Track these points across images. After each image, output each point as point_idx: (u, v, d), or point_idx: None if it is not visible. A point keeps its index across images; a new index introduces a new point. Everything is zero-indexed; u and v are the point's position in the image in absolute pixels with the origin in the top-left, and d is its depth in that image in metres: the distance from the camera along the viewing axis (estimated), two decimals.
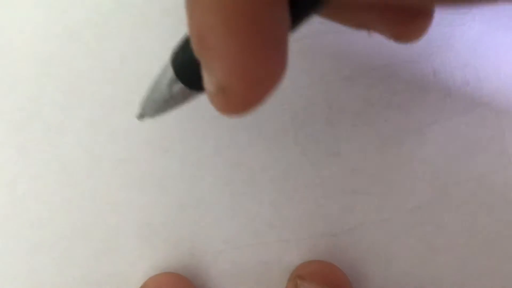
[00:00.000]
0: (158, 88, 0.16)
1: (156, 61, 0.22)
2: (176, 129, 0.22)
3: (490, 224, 0.24)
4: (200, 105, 0.22)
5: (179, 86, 0.15)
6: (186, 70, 0.14)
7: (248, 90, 0.10)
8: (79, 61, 0.22)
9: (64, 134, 0.22)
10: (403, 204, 0.23)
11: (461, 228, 0.24)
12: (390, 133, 0.23)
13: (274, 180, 0.23)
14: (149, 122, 0.22)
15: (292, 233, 0.23)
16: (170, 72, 0.15)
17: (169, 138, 0.22)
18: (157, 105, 0.17)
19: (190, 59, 0.13)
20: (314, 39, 0.23)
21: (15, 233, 0.22)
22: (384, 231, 0.23)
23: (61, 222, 0.22)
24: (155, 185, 0.22)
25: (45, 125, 0.22)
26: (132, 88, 0.22)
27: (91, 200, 0.22)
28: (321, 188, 0.23)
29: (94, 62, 0.22)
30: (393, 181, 0.23)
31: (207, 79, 0.11)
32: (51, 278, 0.22)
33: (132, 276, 0.23)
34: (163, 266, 0.23)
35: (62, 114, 0.22)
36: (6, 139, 0.22)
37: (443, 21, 0.23)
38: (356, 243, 0.23)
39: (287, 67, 0.11)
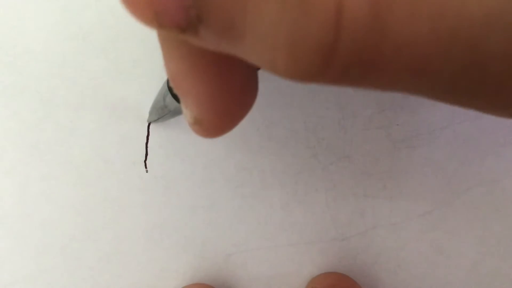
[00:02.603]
0: (158, 97, 0.19)
1: None
2: (187, 132, 0.22)
3: (501, 229, 0.24)
4: None
5: (169, 99, 0.17)
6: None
7: (219, 122, 0.12)
8: (92, 63, 0.22)
9: (76, 135, 0.22)
10: (414, 208, 0.23)
11: (472, 233, 0.24)
12: (401, 137, 0.23)
13: (285, 184, 0.23)
14: (161, 125, 0.22)
15: (302, 236, 0.23)
16: (165, 86, 0.17)
17: (180, 141, 0.22)
18: (156, 111, 0.20)
19: None
20: None
21: (26, 234, 0.22)
22: (395, 235, 0.23)
23: (71, 223, 0.22)
24: (166, 188, 0.22)
25: (57, 127, 0.22)
26: (145, 90, 0.22)
27: (102, 202, 0.22)
28: (332, 192, 0.23)
29: (107, 64, 0.22)
30: (404, 186, 0.23)
31: (185, 111, 0.13)
32: (61, 279, 0.22)
33: (142, 278, 0.23)
34: (173, 268, 0.23)
35: (74, 115, 0.22)
36: (18, 139, 0.22)
37: None
38: (367, 247, 0.23)
39: (255, 98, 0.12)
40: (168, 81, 0.17)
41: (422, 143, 0.23)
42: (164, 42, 0.11)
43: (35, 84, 0.22)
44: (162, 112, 0.20)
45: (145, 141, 0.22)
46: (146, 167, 0.22)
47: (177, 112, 0.19)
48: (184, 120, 0.22)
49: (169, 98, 0.17)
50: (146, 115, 0.22)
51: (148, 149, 0.22)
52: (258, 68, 0.13)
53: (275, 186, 0.23)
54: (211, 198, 0.23)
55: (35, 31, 0.22)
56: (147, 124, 0.22)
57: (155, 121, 0.22)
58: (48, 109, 0.22)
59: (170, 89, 0.17)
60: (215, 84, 0.11)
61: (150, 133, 0.22)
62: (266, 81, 0.23)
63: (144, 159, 0.22)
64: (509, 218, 0.24)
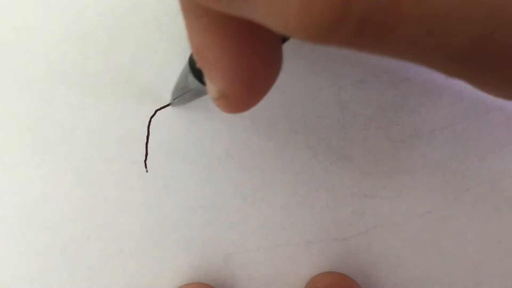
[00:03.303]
0: (179, 78, 0.20)
1: (168, 62, 0.22)
2: (188, 132, 0.22)
3: (501, 229, 0.24)
4: (212, 107, 0.22)
5: (191, 78, 0.17)
6: (195, 66, 0.17)
7: (245, 94, 0.12)
8: (92, 62, 0.22)
9: (76, 135, 0.22)
10: (415, 208, 0.23)
11: (473, 233, 0.24)
12: (402, 137, 0.23)
13: (285, 184, 0.23)
14: (161, 125, 0.22)
15: (302, 236, 0.23)
16: (187, 66, 0.18)
17: (181, 140, 0.22)
18: (178, 92, 0.20)
19: None
20: None
21: (26, 234, 0.22)
22: (395, 235, 0.23)
23: (71, 223, 0.22)
24: (166, 188, 0.22)
25: (57, 126, 0.22)
26: (145, 89, 0.22)
27: (103, 202, 0.22)
28: (332, 192, 0.23)
29: (107, 63, 0.22)
30: (404, 185, 0.23)
31: (209, 86, 0.12)
32: (61, 279, 0.22)
33: (142, 278, 0.23)
34: (174, 268, 0.23)
35: (74, 115, 0.22)
36: (18, 139, 0.22)
37: None
38: (367, 247, 0.23)
39: (280, 70, 0.12)
40: (190, 60, 0.17)
41: (422, 143, 0.23)
42: (188, 14, 0.11)
43: (35, 84, 0.22)
44: (183, 93, 0.20)
45: (145, 141, 0.22)
46: (146, 167, 0.22)
47: (198, 93, 0.19)
48: (184, 120, 0.22)
49: (191, 77, 0.17)
50: (146, 115, 0.22)
51: (148, 149, 0.22)
52: (283, 40, 0.13)
53: (275, 186, 0.23)
54: (211, 198, 0.23)
55: (35, 31, 0.22)
56: (147, 123, 0.22)
57: (177, 104, 0.22)
58: (48, 109, 0.22)
59: (192, 68, 0.17)
60: (240, 54, 0.11)
61: (150, 133, 0.22)
62: None
63: (144, 159, 0.22)
64: (509, 218, 0.24)
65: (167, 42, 0.22)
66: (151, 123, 0.22)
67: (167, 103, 0.22)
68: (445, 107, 0.23)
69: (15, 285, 0.22)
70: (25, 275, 0.22)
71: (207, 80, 0.12)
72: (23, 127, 0.22)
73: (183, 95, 0.20)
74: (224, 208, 0.23)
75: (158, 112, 0.22)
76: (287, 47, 0.19)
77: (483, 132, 0.23)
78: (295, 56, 0.23)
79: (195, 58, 0.12)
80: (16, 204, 0.22)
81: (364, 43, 0.08)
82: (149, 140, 0.22)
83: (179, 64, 0.22)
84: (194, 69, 0.17)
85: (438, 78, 0.23)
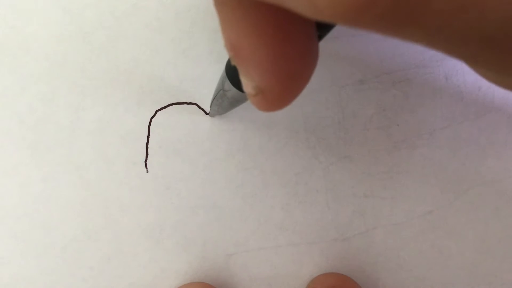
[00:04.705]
0: (217, 86, 0.20)
1: (169, 63, 0.22)
2: (189, 132, 0.22)
3: (501, 229, 0.24)
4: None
5: (228, 84, 0.17)
6: (230, 71, 0.17)
7: (283, 89, 0.11)
8: (93, 63, 0.22)
9: (76, 135, 0.22)
10: (415, 208, 0.23)
11: (473, 233, 0.24)
12: (402, 137, 0.23)
13: (286, 184, 0.23)
14: (161, 125, 0.22)
15: (303, 237, 0.23)
16: (224, 72, 0.18)
17: (181, 140, 0.22)
18: (216, 100, 0.20)
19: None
20: (326, 44, 0.23)
21: (26, 234, 0.22)
22: (395, 235, 0.23)
23: (72, 223, 0.22)
24: (166, 188, 0.22)
25: (57, 127, 0.22)
26: (145, 90, 0.22)
27: (103, 202, 0.22)
28: (333, 192, 0.23)
29: (107, 64, 0.22)
30: (404, 186, 0.23)
31: (245, 83, 0.12)
32: (62, 279, 0.22)
33: (143, 278, 0.23)
34: (174, 268, 0.23)
35: (74, 115, 0.22)
36: (18, 140, 0.22)
37: None
38: (367, 247, 0.23)
39: (316, 64, 0.12)
40: (226, 68, 0.17)
41: (423, 143, 0.23)
42: (221, 6, 0.11)
43: (36, 84, 0.22)
44: (222, 102, 0.20)
45: (146, 141, 0.22)
46: (146, 167, 0.22)
47: (235, 101, 0.19)
48: (184, 120, 0.22)
49: (228, 84, 0.17)
50: (146, 115, 0.22)
51: (149, 149, 0.22)
52: (319, 36, 0.13)
53: (275, 186, 0.23)
54: (212, 198, 0.23)
55: (35, 31, 0.22)
56: (148, 123, 0.22)
57: (216, 113, 0.22)
58: (49, 110, 0.22)
59: (228, 75, 0.17)
60: (277, 46, 0.11)
61: (150, 133, 0.22)
62: None
63: (144, 159, 0.22)
64: (509, 218, 0.24)
65: (167, 43, 0.22)
66: (151, 123, 0.22)
67: (207, 112, 0.22)
68: (445, 107, 0.23)
69: (15, 285, 0.22)
70: (25, 275, 0.22)
71: (242, 77, 0.12)
72: (24, 127, 0.22)
73: (221, 104, 0.20)
74: (224, 208, 0.23)
75: (158, 113, 0.22)
76: None
77: (483, 132, 0.24)
78: None
79: (230, 54, 0.12)
80: (16, 204, 0.22)
81: (394, 25, 0.08)
82: (149, 141, 0.22)
83: (179, 64, 0.22)
84: (230, 74, 0.17)
85: (439, 78, 0.23)
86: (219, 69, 0.22)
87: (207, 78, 0.22)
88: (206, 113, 0.22)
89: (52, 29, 0.22)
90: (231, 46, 0.11)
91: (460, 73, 0.23)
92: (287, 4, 0.08)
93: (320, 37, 0.13)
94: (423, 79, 0.23)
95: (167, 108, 0.22)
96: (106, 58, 0.22)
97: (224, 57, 0.22)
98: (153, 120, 0.22)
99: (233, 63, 0.12)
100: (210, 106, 0.22)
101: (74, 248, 0.22)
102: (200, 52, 0.22)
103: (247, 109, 0.22)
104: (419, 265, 0.24)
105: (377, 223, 0.23)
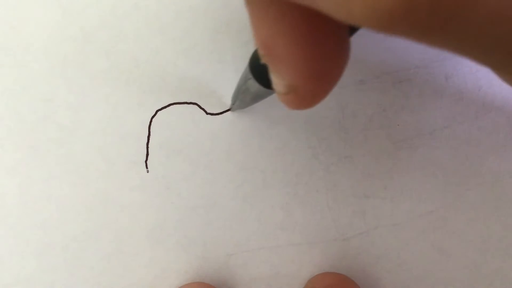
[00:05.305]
0: (239, 82, 0.20)
1: (169, 63, 0.22)
2: (189, 132, 0.22)
3: (502, 229, 0.24)
4: (213, 108, 0.22)
5: (251, 81, 0.17)
6: (256, 68, 0.17)
7: (315, 87, 0.11)
8: (93, 62, 0.22)
9: (77, 135, 0.22)
10: (415, 208, 0.23)
11: (473, 233, 0.24)
12: (402, 137, 0.23)
13: (286, 184, 0.23)
14: (162, 125, 0.22)
15: (303, 237, 0.23)
16: (247, 68, 0.18)
17: (182, 140, 0.22)
18: (237, 96, 0.20)
19: (259, 61, 0.16)
20: None
21: (27, 234, 0.22)
22: (396, 235, 0.23)
23: (72, 223, 0.22)
24: (166, 188, 0.22)
25: (58, 126, 0.22)
26: (146, 90, 0.22)
27: (103, 202, 0.22)
28: (333, 192, 0.23)
29: (108, 64, 0.22)
30: (405, 186, 0.23)
31: (276, 81, 0.12)
32: (62, 279, 0.22)
33: (143, 278, 0.23)
34: (174, 268, 0.23)
35: (75, 115, 0.22)
36: (19, 139, 0.22)
37: None
38: (368, 248, 0.23)
39: (348, 61, 0.12)
40: (250, 63, 0.17)
41: (423, 143, 0.23)
42: (254, 8, 0.11)
43: (36, 84, 0.22)
44: (244, 97, 0.20)
45: (146, 141, 0.22)
46: (147, 167, 0.22)
47: (257, 96, 0.19)
48: (185, 120, 0.22)
49: (251, 80, 0.17)
50: (146, 115, 0.22)
51: (149, 149, 0.22)
52: (350, 32, 0.12)
53: (276, 186, 0.23)
54: (212, 198, 0.23)
55: (36, 31, 0.22)
56: (148, 124, 0.22)
57: (236, 108, 0.22)
58: (49, 109, 0.22)
59: (252, 70, 0.17)
60: (309, 45, 0.11)
61: (151, 133, 0.22)
62: None
63: (145, 159, 0.22)
64: (510, 218, 0.24)
65: (168, 42, 0.22)
66: (152, 123, 0.22)
67: (227, 109, 0.22)
68: (445, 107, 0.23)
69: (16, 285, 0.22)
70: (25, 275, 0.22)
71: (273, 75, 0.12)
72: (24, 127, 0.22)
73: (243, 99, 0.20)
74: (224, 208, 0.23)
75: (159, 112, 0.22)
76: None
77: (483, 132, 0.24)
78: None
79: (261, 52, 0.12)
80: (16, 204, 0.22)
81: (428, 32, 0.08)
82: (150, 140, 0.22)
83: (180, 64, 0.22)
84: (255, 71, 0.17)
85: (439, 78, 0.23)
86: (220, 69, 0.22)
87: (208, 78, 0.22)
88: (207, 113, 0.22)
89: (53, 29, 0.22)
90: (263, 45, 0.11)
91: (461, 73, 0.23)
92: (321, 7, 0.08)
93: (352, 33, 0.13)
94: (423, 79, 0.23)
95: (167, 108, 0.22)
96: (106, 57, 0.22)
97: (225, 57, 0.22)
98: (153, 120, 0.22)
99: (263, 61, 0.12)
100: (232, 101, 0.22)
101: (74, 248, 0.22)
102: (200, 52, 0.22)
103: (247, 109, 0.22)
104: (419, 265, 0.24)
105: (378, 223, 0.23)
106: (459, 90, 0.23)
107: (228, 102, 0.22)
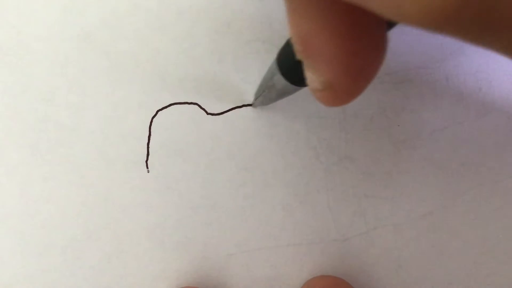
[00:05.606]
0: (265, 77, 0.20)
1: (170, 63, 0.22)
2: (190, 132, 0.22)
3: (501, 229, 0.24)
4: (214, 108, 0.22)
5: (278, 77, 0.17)
6: (284, 64, 0.17)
7: (353, 83, 0.11)
8: (94, 62, 0.22)
9: (77, 135, 0.22)
10: (415, 209, 0.23)
11: (473, 233, 0.24)
12: (402, 138, 0.23)
13: (287, 184, 0.23)
14: (162, 125, 0.22)
15: (303, 237, 0.23)
16: (275, 65, 0.17)
17: (182, 140, 0.22)
18: (262, 92, 0.20)
19: (288, 57, 0.16)
20: None
21: (27, 234, 0.22)
22: (396, 236, 0.23)
23: (73, 223, 0.22)
24: (167, 188, 0.22)
25: (58, 126, 0.22)
26: (146, 90, 0.22)
27: (104, 202, 0.22)
28: (333, 192, 0.23)
29: (108, 63, 0.22)
30: (405, 186, 0.23)
31: (312, 78, 0.12)
32: (62, 279, 0.22)
33: (143, 278, 0.23)
34: (175, 268, 0.23)
35: (76, 115, 0.22)
36: (19, 139, 0.22)
37: None
38: (368, 248, 0.23)
39: (385, 57, 0.12)
40: (277, 59, 0.17)
41: (423, 144, 0.23)
42: (294, 2, 0.11)
43: (37, 84, 0.22)
44: (268, 93, 0.20)
45: (147, 141, 0.22)
46: (147, 167, 0.22)
47: (283, 93, 0.19)
48: (185, 120, 0.22)
49: (278, 76, 0.17)
50: (147, 115, 0.22)
51: (150, 149, 0.22)
52: (389, 27, 0.12)
53: (276, 187, 0.23)
54: (213, 198, 0.23)
55: (37, 31, 0.22)
56: (149, 124, 0.22)
57: (259, 104, 0.22)
58: (50, 109, 0.22)
59: (280, 66, 0.17)
60: (350, 41, 0.11)
61: (151, 133, 0.22)
62: None
63: (145, 159, 0.22)
64: (509, 218, 0.24)
65: (168, 42, 0.22)
66: (152, 123, 0.22)
67: (248, 103, 0.22)
68: (445, 108, 0.23)
69: (16, 285, 0.22)
70: (25, 275, 0.22)
71: (309, 71, 0.12)
72: (25, 127, 0.22)
73: (267, 96, 0.20)
74: (225, 208, 0.23)
75: (159, 112, 0.22)
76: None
77: (483, 133, 0.24)
78: None
79: (298, 48, 0.11)
80: (17, 204, 0.22)
81: (480, 32, 0.08)
82: (150, 140, 0.22)
83: (180, 64, 0.22)
84: (283, 68, 0.17)
85: (439, 79, 0.23)
86: (220, 69, 0.22)
87: (208, 78, 0.22)
88: (207, 113, 0.22)
89: (54, 29, 0.22)
90: (302, 40, 0.11)
91: (461, 74, 0.23)
92: (370, 6, 0.08)
93: (391, 26, 0.13)
94: (424, 80, 0.23)
95: (168, 108, 0.22)
96: (107, 57, 0.22)
97: (226, 56, 0.22)
98: (154, 120, 0.22)
99: (298, 57, 0.12)
100: (254, 96, 0.22)
101: (75, 248, 0.22)
102: (201, 52, 0.22)
103: (248, 109, 0.22)
104: (419, 265, 0.24)
105: (378, 223, 0.23)
106: (460, 91, 0.24)
107: (228, 102, 0.22)
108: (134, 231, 0.22)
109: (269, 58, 0.22)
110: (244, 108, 0.22)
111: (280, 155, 0.23)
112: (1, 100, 0.22)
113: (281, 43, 0.22)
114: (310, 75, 0.12)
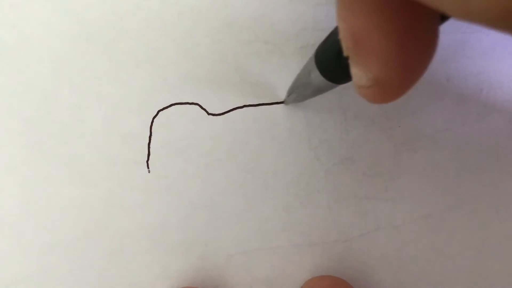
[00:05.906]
0: (300, 74, 0.20)
1: (171, 63, 0.22)
2: (190, 132, 0.22)
3: (502, 231, 0.24)
4: (214, 108, 0.22)
5: (316, 74, 0.17)
6: (323, 61, 0.17)
7: (401, 80, 0.11)
8: (95, 62, 0.22)
9: (78, 135, 0.22)
10: (416, 210, 0.23)
11: (473, 234, 0.24)
12: (403, 139, 0.23)
13: (287, 185, 0.23)
14: (163, 125, 0.22)
15: (304, 238, 0.23)
16: (312, 62, 0.17)
17: (183, 141, 0.22)
18: (297, 89, 0.20)
19: (328, 54, 0.16)
20: None
21: (28, 234, 0.22)
22: (397, 237, 0.23)
23: (73, 223, 0.22)
24: (168, 188, 0.22)
25: (59, 126, 0.22)
26: (147, 90, 0.22)
27: (105, 202, 0.22)
28: (334, 193, 0.23)
29: (110, 63, 0.22)
30: (406, 187, 0.23)
31: (359, 74, 0.12)
32: (63, 279, 0.22)
33: (144, 278, 0.23)
34: (175, 268, 0.23)
35: (77, 115, 0.22)
36: (20, 138, 0.22)
37: (457, 28, 0.23)
38: (368, 249, 0.23)
39: (436, 52, 0.11)
40: (315, 56, 0.17)
41: (424, 145, 0.23)
42: None
43: (38, 84, 0.22)
44: (303, 90, 0.19)
45: (148, 141, 0.22)
46: (148, 167, 0.22)
47: (319, 90, 0.19)
48: (186, 120, 0.22)
49: (315, 73, 0.17)
50: (148, 115, 0.22)
51: (151, 149, 0.22)
52: (441, 21, 0.12)
53: (277, 187, 0.23)
54: (213, 199, 0.23)
55: (38, 31, 0.22)
56: (150, 123, 0.22)
57: (291, 102, 0.22)
58: (51, 109, 0.22)
59: (318, 64, 0.17)
60: (403, 37, 0.10)
61: (152, 133, 0.22)
62: None
63: (146, 159, 0.22)
64: (510, 219, 0.24)
65: (170, 43, 0.22)
66: (153, 123, 0.22)
67: (280, 101, 0.22)
68: (446, 109, 0.23)
69: (15, 285, 0.22)
70: (25, 275, 0.22)
71: (357, 68, 0.12)
72: (26, 127, 0.22)
73: (301, 93, 0.20)
74: (225, 209, 0.23)
75: (160, 113, 0.22)
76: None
77: (484, 135, 0.24)
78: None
79: (347, 44, 0.11)
80: (17, 204, 0.22)
81: None
82: (151, 141, 0.22)
83: (182, 64, 0.22)
84: (321, 65, 0.17)
85: (440, 80, 0.23)
86: (221, 69, 0.22)
87: (209, 78, 0.22)
88: (208, 113, 0.22)
89: (55, 29, 0.22)
90: (353, 37, 0.11)
91: (462, 75, 0.23)
92: (433, 4, 0.08)
93: (443, 20, 0.13)
94: (425, 81, 0.23)
95: (169, 108, 0.22)
96: (108, 58, 0.22)
97: (226, 57, 0.22)
98: (155, 120, 0.22)
99: (347, 53, 0.12)
100: (287, 93, 0.22)
101: (75, 248, 0.22)
102: (202, 52, 0.22)
103: (248, 109, 0.22)
104: (420, 267, 0.24)
105: (378, 224, 0.23)
106: (461, 92, 0.23)
107: (229, 102, 0.22)
108: (134, 231, 0.22)
109: (270, 58, 0.22)
110: (244, 108, 0.22)
111: (281, 156, 0.23)
112: (2, 100, 0.22)
113: (281, 43, 0.22)
114: (357, 72, 0.12)
